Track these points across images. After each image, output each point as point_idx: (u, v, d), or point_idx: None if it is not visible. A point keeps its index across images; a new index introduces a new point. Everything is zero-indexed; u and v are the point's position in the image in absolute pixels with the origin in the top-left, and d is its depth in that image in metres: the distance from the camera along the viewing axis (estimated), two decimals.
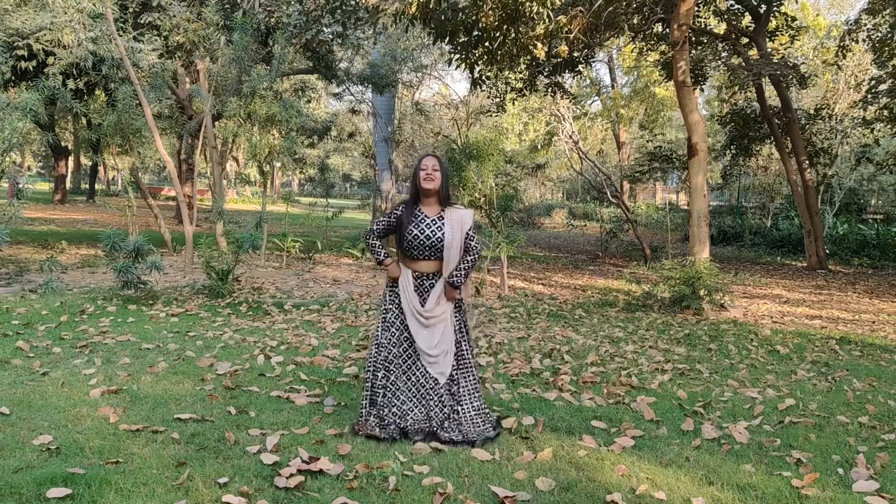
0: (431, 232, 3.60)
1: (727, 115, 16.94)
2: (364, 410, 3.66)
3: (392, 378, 3.64)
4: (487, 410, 3.80)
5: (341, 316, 7.18)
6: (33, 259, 10.11)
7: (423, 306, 3.62)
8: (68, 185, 31.78)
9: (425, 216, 3.64)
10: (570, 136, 17.07)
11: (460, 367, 3.70)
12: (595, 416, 4.11)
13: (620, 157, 30.68)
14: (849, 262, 16.64)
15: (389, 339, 3.67)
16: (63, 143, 29.09)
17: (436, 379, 3.63)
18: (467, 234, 3.68)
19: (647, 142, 22.47)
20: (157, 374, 4.56)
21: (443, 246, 3.60)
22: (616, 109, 27.90)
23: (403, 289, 3.66)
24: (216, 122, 13.80)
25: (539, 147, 24.54)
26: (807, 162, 15.12)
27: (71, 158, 36.55)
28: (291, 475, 3.00)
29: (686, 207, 19.05)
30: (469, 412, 3.64)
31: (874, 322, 8.36)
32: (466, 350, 3.73)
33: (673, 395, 4.65)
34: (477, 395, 3.71)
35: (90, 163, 34.55)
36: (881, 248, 17.58)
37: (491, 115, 20.89)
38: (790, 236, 19.89)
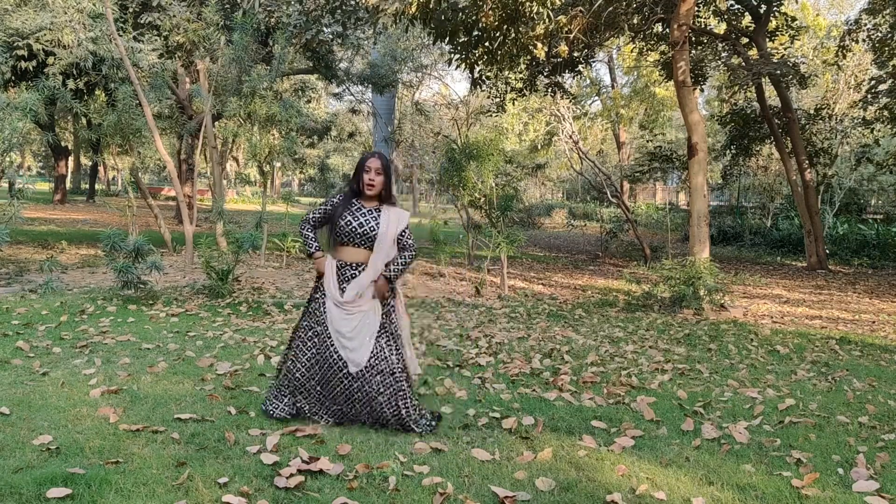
0: (366, 221, 3.64)
1: (727, 115, 16.95)
2: (275, 396, 3.78)
3: (306, 365, 3.67)
4: (415, 406, 3.73)
5: None
6: (33, 259, 10.12)
7: (341, 296, 3.62)
8: (68, 185, 31.78)
9: (362, 206, 3.69)
10: (570, 136, 17.07)
11: (375, 365, 3.61)
12: (595, 416, 4.11)
13: (620, 157, 30.70)
14: (849, 262, 16.64)
15: (309, 326, 3.71)
16: (63, 143, 29.08)
17: (347, 365, 3.59)
18: (402, 232, 3.71)
19: (647, 142, 22.47)
20: (157, 374, 4.56)
21: (375, 236, 3.62)
22: (616, 109, 27.91)
23: (327, 279, 3.68)
24: (216, 122, 13.80)
25: (539, 147, 24.55)
26: (807, 162, 15.13)
27: (71, 158, 36.54)
28: (291, 475, 3.00)
29: (686, 207, 19.06)
30: (385, 405, 3.60)
31: (874, 322, 8.36)
32: (388, 350, 3.64)
33: (673, 395, 4.65)
34: (401, 394, 3.63)
35: (90, 163, 34.55)
36: (881, 248, 17.58)
37: (491, 115, 20.89)
38: (790, 236, 19.89)
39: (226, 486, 2.90)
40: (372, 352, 3.61)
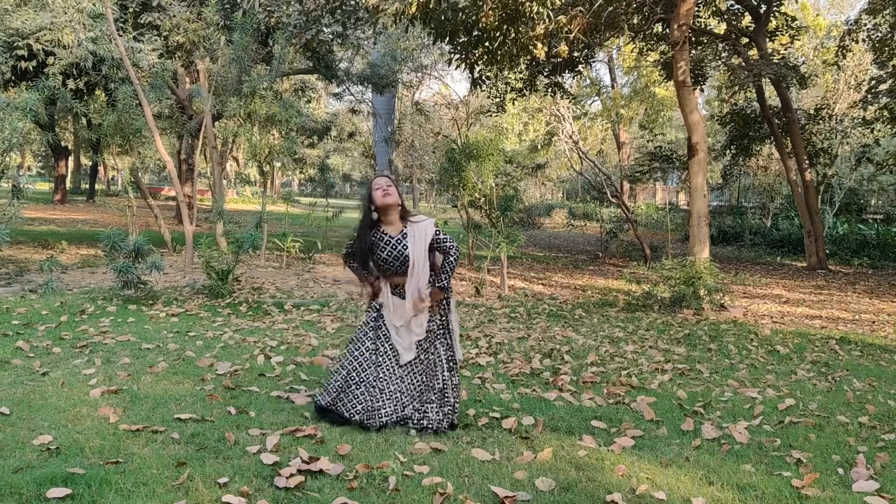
0: (394, 249, 3.69)
1: (727, 115, 16.94)
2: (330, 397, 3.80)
3: (362, 374, 3.73)
4: (454, 405, 3.79)
5: (341, 316, 7.18)
6: (33, 259, 10.11)
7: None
8: (68, 185, 31.75)
9: (389, 237, 3.71)
10: (570, 136, 17.07)
11: (433, 364, 3.75)
12: (595, 416, 4.11)
13: (620, 157, 30.67)
14: (849, 262, 16.64)
15: (365, 334, 3.80)
16: (63, 143, 29.07)
17: (398, 360, 3.70)
18: (435, 240, 3.73)
19: (648, 142, 22.45)
20: (157, 374, 4.56)
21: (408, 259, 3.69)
22: (616, 109, 27.89)
23: (385, 298, 3.78)
24: (216, 122, 13.80)
25: (539, 147, 24.51)
26: (807, 162, 15.12)
27: (71, 158, 36.51)
28: (291, 475, 3.00)
29: (686, 207, 19.06)
30: (439, 402, 3.72)
31: (874, 322, 8.36)
32: (443, 347, 3.78)
33: (673, 395, 4.65)
34: (451, 391, 3.75)
35: (90, 163, 34.53)
36: (881, 248, 17.58)
37: (491, 115, 20.88)
38: (790, 236, 19.88)
39: (226, 486, 2.90)
40: (418, 352, 3.72)
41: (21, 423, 3.51)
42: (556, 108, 16.84)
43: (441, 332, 3.82)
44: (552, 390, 4.63)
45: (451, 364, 3.80)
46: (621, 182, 23.91)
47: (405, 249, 3.67)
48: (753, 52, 13.98)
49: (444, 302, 3.83)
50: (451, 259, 3.77)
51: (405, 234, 3.70)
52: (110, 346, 5.30)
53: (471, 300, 8.83)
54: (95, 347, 5.25)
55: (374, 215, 3.73)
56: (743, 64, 12.74)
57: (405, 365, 3.73)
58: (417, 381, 3.74)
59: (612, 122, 29.05)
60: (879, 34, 14.50)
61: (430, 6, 8.88)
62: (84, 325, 6.01)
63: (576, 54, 12.82)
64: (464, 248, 14.29)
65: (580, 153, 17.37)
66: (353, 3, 12.03)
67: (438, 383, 3.74)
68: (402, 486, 2.99)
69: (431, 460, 3.29)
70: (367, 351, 3.75)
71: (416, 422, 3.68)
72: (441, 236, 3.75)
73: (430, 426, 3.66)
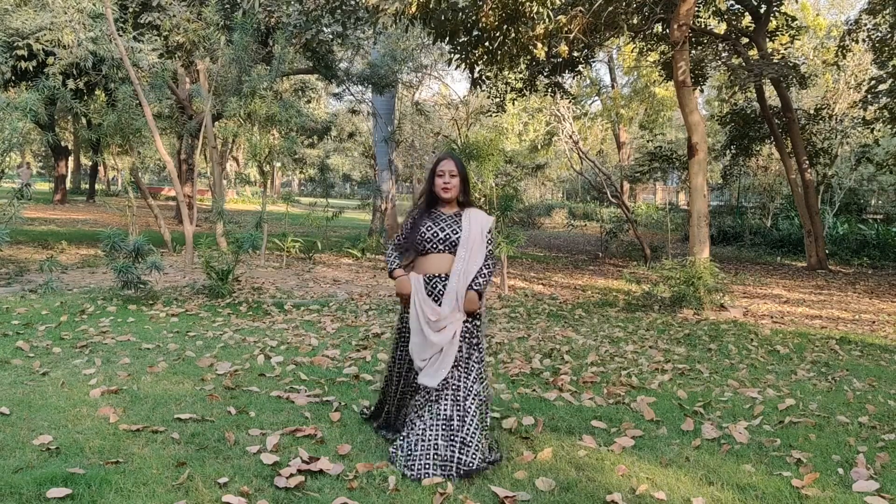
0: (447, 226, 3.39)
1: (727, 115, 16.95)
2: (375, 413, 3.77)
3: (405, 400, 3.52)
4: (483, 442, 3.28)
5: (341, 316, 7.18)
6: (33, 259, 10.11)
7: (437, 311, 3.31)
8: (68, 185, 31.75)
9: (442, 213, 3.46)
10: (570, 136, 17.07)
11: (457, 399, 3.27)
12: (595, 416, 4.11)
13: (620, 157, 30.69)
14: (849, 262, 16.64)
15: (403, 357, 3.51)
16: (63, 143, 29.07)
17: (426, 388, 3.29)
18: (486, 234, 3.44)
19: (648, 142, 22.48)
20: (157, 374, 4.56)
21: (458, 241, 3.35)
22: (616, 109, 27.91)
23: (415, 296, 3.35)
24: (216, 122, 13.79)
25: (539, 147, 24.53)
26: (807, 162, 15.12)
27: (71, 158, 36.53)
28: (291, 475, 3.00)
29: (686, 207, 19.06)
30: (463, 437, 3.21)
31: (874, 322, 8.36)
32: (467, 380, 3.31)
33: (673, 395, 4.65)
34: (475, 424, 3.25)
35: (90, 163, 34.53)
36: (881, 248, 17.58)
37: (491, 115, 20.88)
38: (790, 236, 19.88)
39: (226, 486, 2.90)
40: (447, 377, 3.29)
41: (21, 423, 3.51)
42: (556, 108, 16.83)
43: (467, 363, 3.35)
44: (552, 390, 4.63)
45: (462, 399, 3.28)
46: (621, 182, 23.93)
47: (455, 226, 3.37)
48: (753, 52, 13.97)
49: (474, 320, 3.40)
50: (490, 262, 3.41)
51: (460, 214, 3.44)
52: (110, 346, 5.30)
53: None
54: (95, 347, 5.25)
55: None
56: (743, 64, 12.75)
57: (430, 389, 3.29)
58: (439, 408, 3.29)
59: (612, 122, 29.08)
60: (879, 34, 14.50)
61: (430, 6, 8.88)
62: (84, 325, 6.01)
63: (576, 54, 12.82)
64: None
65: (580, 153, 17.37)
66: (353, 3, 12.03)
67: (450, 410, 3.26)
68: (402, 486, 2.99)
69: None
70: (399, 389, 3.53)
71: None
72: (490, 236, 3.46)
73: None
